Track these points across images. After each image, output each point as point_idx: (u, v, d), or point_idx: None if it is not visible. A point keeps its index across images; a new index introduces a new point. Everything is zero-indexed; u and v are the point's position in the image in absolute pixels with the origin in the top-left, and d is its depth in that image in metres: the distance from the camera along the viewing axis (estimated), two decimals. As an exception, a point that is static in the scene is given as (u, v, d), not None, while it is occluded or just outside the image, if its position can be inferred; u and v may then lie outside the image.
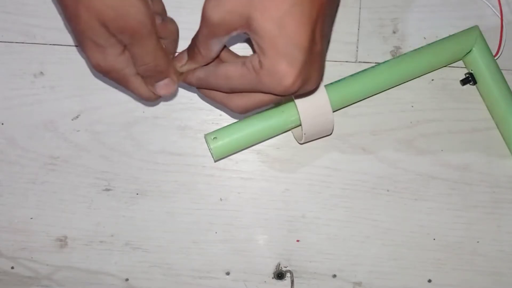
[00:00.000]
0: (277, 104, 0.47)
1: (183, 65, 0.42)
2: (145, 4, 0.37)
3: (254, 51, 0.38)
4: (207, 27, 0.37)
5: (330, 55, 0.51)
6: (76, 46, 0.50)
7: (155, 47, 0.39)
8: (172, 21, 0.42)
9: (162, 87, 0.42)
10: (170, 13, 0.50)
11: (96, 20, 0.36)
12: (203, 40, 0.38)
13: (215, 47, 0.39)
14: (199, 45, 0.39)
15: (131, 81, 0.41)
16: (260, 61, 0.36)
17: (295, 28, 0.35)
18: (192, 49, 0.40)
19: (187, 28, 0.47)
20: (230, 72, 0.39)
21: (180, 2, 0.50)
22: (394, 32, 0.51)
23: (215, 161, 0.50)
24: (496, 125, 0.51)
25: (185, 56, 0.42)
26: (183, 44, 0.43)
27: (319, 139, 0.50)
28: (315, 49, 0.37)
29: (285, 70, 0.36)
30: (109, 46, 0.38)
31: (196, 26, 0.45)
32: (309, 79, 0.38)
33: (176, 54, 0.43)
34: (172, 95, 0.50)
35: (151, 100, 0.43)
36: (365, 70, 0.48)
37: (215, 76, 0.40)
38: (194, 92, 0.51)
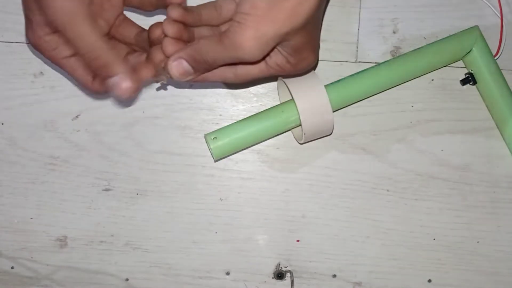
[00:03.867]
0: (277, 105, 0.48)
1: (188, 78, 0.40)
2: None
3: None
4: (241, 60, 0.37)
5: (330, 55, 0.51)
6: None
7: (87, 34, 0.36)
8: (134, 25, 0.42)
9: (113, 86, 0.38)
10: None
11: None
12: (223, 62, 0.38)
13: None
14: (219, 66, 0.39)
15: (62, 63, 0.39)
16: (288, 61, 0.38)
17: (319, 30, 0.40)
18: (203, 66, 0.39)
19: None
20: (253, 75, 0.40)
21: (180, 2, 0.50)
22: (394, 32, 0.51)
23: (215, 161, 0.50)
24: (496, 125, 0.51)
25: (189, 69, 0.39)
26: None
27: (319, 139, 0.50)
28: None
29: (312, 59, 0.40)
30: (36, 23, 0.37)
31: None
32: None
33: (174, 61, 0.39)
34: (129, 98, 0.45)
35: (89, 89, 0.40)
36: (365, 70, 0.48)
37: (235, 78, 0.40)
38: (194, 89, 0.51)
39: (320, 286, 0.52)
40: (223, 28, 0.42)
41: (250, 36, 0.34)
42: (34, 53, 0.50)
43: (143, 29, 0.42)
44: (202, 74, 0.40)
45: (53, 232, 0.51)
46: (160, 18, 0.48)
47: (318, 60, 0.41)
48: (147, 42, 0.41)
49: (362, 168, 0.51)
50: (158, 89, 0.50)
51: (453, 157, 0.51)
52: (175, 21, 0.39)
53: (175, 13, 0.39)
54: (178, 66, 0.38)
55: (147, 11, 0.41)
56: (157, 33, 0.40)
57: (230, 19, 0.40)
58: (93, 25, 0.36)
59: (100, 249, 0.51)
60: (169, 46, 0.39)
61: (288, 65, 0.39)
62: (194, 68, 0.39)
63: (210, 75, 0.40)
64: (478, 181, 0.52)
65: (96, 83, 0.39)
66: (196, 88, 0.51)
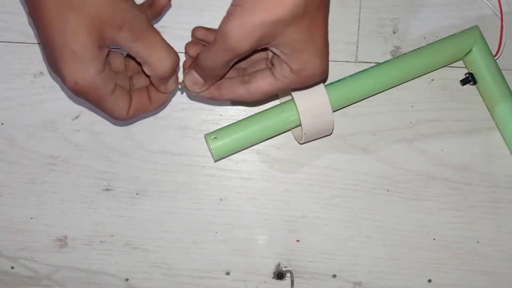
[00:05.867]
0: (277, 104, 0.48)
1: (201, 89, 0.42)
2: (135, 7, 0.37)
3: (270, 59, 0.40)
4: (233, 54, 0.37)
5: (330, 55, 0.50)
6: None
7: (160, 40, 0.38)
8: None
9: (172, 83, 0.41)
10: (169, 13, 0.50)
11: (87, 26, 0.35)
12: (225, 64, 0.39)
13: (232, 63, 0.40)
14: (220, 69, 0.40)
15: (106, 100, 0.39)
16: (291, 68, 0.39)
17: (321, 30, 0.38)
18: (208, 73, 0.40)
19: (187, 28, 0.47)
20: (264, 89, 0.41)
21: (180, 2, 0.50)
22: (394, 32, 0.51)
23: (215, 161, 0.50)
24: (496, 125, 0.51)
25: (199, 79, 0.41)
26: (181, 43, 0.43)
27: (319, 139, 0.50)
28: (327, 35, 0.39)
29: (316, 64, 0.39)
30: (91, 59, 0.36)
31: (194, 27, 0.45)
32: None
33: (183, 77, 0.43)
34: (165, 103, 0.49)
35: (123, 119, 0.41)
36: (365, 70, 0.48)
37: (248, 95, 0.41)
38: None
39: (320, 286, 0.52)
40: None
41: (235, 25, 0.35)
42: (71, 98, 0.51)
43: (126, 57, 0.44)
44: (214, 85, 0.42)
45: (53, 232, 0.51)
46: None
47: (327, 71, 0.40)
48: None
49: (362, 168, 0.51)
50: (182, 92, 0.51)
51: (453, 157, 0.51)
52: (195, 43, 0.43)
53: (198, 33, 0.44)
54: (190, 77, 0.42)
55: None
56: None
57: None
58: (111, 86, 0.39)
59: (100, 249, 0.51)
60: (187, 62, 0.43)
61: (293, 75, 0.39)
62: (202, 76, 0.41)
63: (225, 92, 0.42)
64: (478, 181, 0.52)
65: (131, 111, 0.42)
66: (220, 105, 0.51)
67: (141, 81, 0.43)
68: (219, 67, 0.39)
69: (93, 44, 0.36)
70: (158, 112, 0.51)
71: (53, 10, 0.35)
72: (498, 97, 0.50)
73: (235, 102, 0.50)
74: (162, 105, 0.44)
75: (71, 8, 0.35)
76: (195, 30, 0.44)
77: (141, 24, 0.37)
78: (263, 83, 0.41)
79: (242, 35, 0.35)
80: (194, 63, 0.41)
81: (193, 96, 0.49)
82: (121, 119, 0.41)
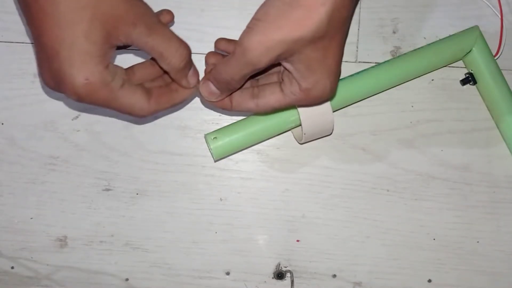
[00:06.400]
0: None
1: (217, 99, 0.42)
2: (144, 3, 0.37)
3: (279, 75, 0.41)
4: (251, 68, 0.37)
5: (330, 55, 0.51)
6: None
7: (171, 32, 0.39)
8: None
9: (192, 76, 0.41)
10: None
11: (102, 23, 0.35)
12: (243, 78, 0.39)
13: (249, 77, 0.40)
14: (237, 83, 0.40)
15: (118, 97, 0.38)
16: (300, 86, 0.39)
17: (337, 52, 0.38)
18: (224, 85, 0.40)
19: (187, 29, 0.47)
20: (273, 105, 0.41)
21: (180, 2, 0.50)
22: (394, 32, 0.51)
23: (215, 161, 0.50)
24: (496, 125, 0.51)
25: (214, 90, 0.41)
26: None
27: (319, 139, 0.50)
28: (341, 58, 0.40)
29: (326, 85, 0.39)
30: (101, 55, 0.36)
31: (194, 27, 0.45)
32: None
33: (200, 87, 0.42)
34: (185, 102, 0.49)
35: (145, 112, 0.40)
36: (365, 70, 0.48)
37: (257, 109, 0.42)
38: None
39: (320, 286, 0.52)
40: None
41: (257, 40, 0.35)
42: (77, 108, 0.50)
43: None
44: (228, 95, 0.42)
45: (53, 232, 0.51)
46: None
47: (335, 92, 0.40)
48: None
49: (362, 168, 0.51)
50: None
51: (453, 157, 0.51)
52: (215, 53, 0.44)
53: (220, 44, 0.44)
54: (206, 87, 0.41)
55: None
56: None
57: None
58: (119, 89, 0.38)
59: (100, 249, 0.51)
60: (208, 69, 0.43)
61: (301, 93, 0.39)
62: (218, 88, 0.41)
63: (236, 104, 0.42)
64: (478, 181, 0.52)
65: (152, 103, 0.41)
66: (231, 115, 0.51)
67: (154, 85, 0.43)
68: (236, 80, 0.39)
69: (106, 41, 0.36)
70: (180, 108, 0.50)
71: (66, 8, 0.35)
72: (498, 97, 0.50)
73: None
74: (187, 99, 0.43)
75: (87, 6, 0.35)
76: (217, 41, 0.45)
77: (153, 18, 0.37)
78: (271, 98, 0.41)
79: (263, 50, 0.36)
80: (210, 74, 0.41)
81: (207, 104, 0.49)
82: (143, 113, 0.40)
